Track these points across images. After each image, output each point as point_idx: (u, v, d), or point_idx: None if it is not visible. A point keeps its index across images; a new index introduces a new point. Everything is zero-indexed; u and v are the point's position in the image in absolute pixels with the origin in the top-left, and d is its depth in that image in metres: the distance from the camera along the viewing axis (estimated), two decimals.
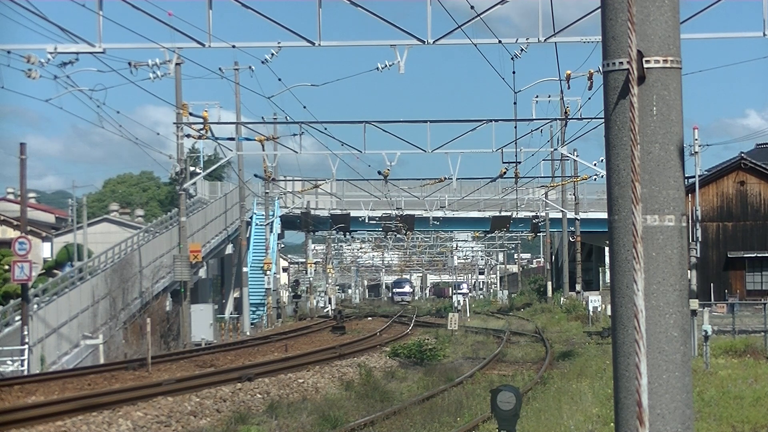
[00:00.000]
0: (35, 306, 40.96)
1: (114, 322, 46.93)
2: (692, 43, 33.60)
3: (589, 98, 48.95)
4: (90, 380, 30.22)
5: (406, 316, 74.16)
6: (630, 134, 5.39)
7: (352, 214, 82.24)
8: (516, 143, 48.43)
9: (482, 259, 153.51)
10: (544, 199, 77.92)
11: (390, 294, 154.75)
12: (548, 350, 38.77)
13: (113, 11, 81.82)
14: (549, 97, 48.99)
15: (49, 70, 29.95)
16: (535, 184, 72.18)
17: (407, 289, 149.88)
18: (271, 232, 72.22)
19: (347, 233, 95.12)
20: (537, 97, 48.05)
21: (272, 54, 30.55)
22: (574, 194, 75.41)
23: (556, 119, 49.06)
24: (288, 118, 51.69)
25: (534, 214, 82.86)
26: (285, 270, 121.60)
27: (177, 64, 41.32)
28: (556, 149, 56.44)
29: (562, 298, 73.72)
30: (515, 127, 47.10)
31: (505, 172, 51.22)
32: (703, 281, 58.11)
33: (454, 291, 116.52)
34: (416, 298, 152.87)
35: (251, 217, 73.28)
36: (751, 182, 64.55)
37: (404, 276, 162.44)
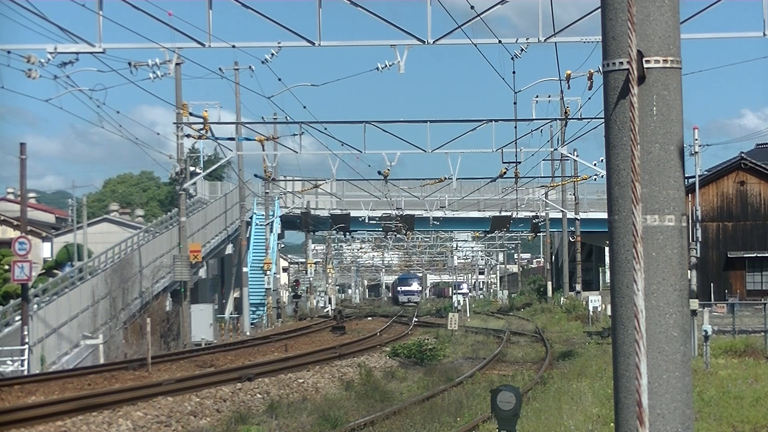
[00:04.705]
0: (35, 306, 40.95)
1: (114, 322, 46.91)
2: (692, 43, 33.61)
3: (589, 98, 49.11)
4: (90, 380, 30.21)
5: (406, 316, 74.13)
6: (630, 134, 5.39)
7: (352, 214, 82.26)
8: (516, 143, 48.46)
9: (482, 259, 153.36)
10: (544, 199, 77.91)
11: (392, 294, 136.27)
12: (548, 350, 38.76)
13: (113, 11, 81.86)
14: (549, 97, 49.05)
15: (49, 70, 30.00)
16: (535, 184, 72.21)
17: (415, 287, 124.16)
18: (271, 232, 72.22)
19: (347, 233, 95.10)
20: (537, 97, 48.11)
21: (272, 54, 30.59)
22: (574, 194, 75.39)
23: (556, 119, 49.09)
24: (288, 118, 51.76)
25: (534, 214, 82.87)
26: (285, 270, 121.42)
27: (177, 64, 41.33)
28: (556, 149, 56.44)
29: (562, 298, 73.70)
30: (515, 127, 47.15)
31: (505, 172, 51.22)
32: (703, 281, 58.10)
33: (454, 291, 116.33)
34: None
35: (251, 217, 73.27)
36: (751, 182, 64.53)
37: (410, 271, 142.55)
